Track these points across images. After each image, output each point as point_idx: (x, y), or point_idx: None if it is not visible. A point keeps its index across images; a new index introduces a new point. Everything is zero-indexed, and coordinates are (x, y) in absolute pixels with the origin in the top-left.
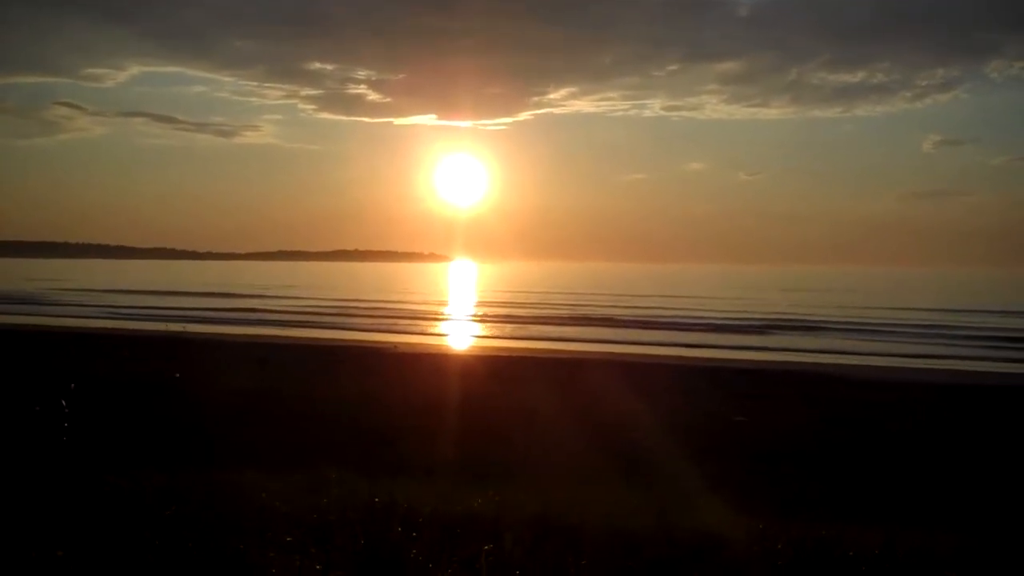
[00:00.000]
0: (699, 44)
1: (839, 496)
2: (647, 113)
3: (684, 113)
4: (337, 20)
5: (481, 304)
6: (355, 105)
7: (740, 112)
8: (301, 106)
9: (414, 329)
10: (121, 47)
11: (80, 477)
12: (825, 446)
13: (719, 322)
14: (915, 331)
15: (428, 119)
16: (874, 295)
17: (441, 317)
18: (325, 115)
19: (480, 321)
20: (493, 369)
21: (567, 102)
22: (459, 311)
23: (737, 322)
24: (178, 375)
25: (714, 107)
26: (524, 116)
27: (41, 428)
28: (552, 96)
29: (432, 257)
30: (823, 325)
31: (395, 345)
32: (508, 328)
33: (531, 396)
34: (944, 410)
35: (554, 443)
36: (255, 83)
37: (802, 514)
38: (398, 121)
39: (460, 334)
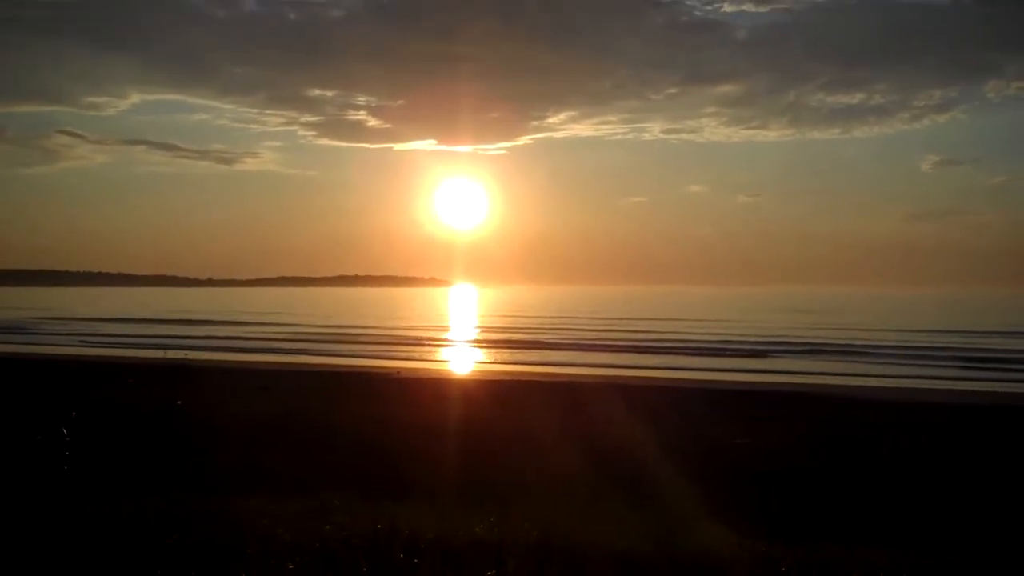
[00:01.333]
0: (698, 67)
1: (843, 518)
2: (646, 136)
3: (683, 136)
4: (337, 47)
5: (482, 329)
6: (355, 131)
7: (739, 134)
8: (301, 132)
9: (415, 354)
10: (122, 75)
11: (81, 505)
12: (828, 467)
13: (720, 344)
14: (916, 352)
15: (428, 144)
16: (875, 316)
17: (442, 342)
18: (325, 141)
19: (481, 346)
20: (494, 393)
21: (566, 126)
22: (460, 336)
23: (738, 344)
24: (179, 402)
25: (713, 130)
26: (524, 140)
27: (42, 456)
28: (551, 120)
29: (432, 282)
30: (824, 346)
31: (397, 371)
32: (509, 352)
33: (532, 420)
34: (947, 431)
35: (556, 466)
36: (255, 110)
37: (805, 536)
38: (398, 146)
39: (461, 359)
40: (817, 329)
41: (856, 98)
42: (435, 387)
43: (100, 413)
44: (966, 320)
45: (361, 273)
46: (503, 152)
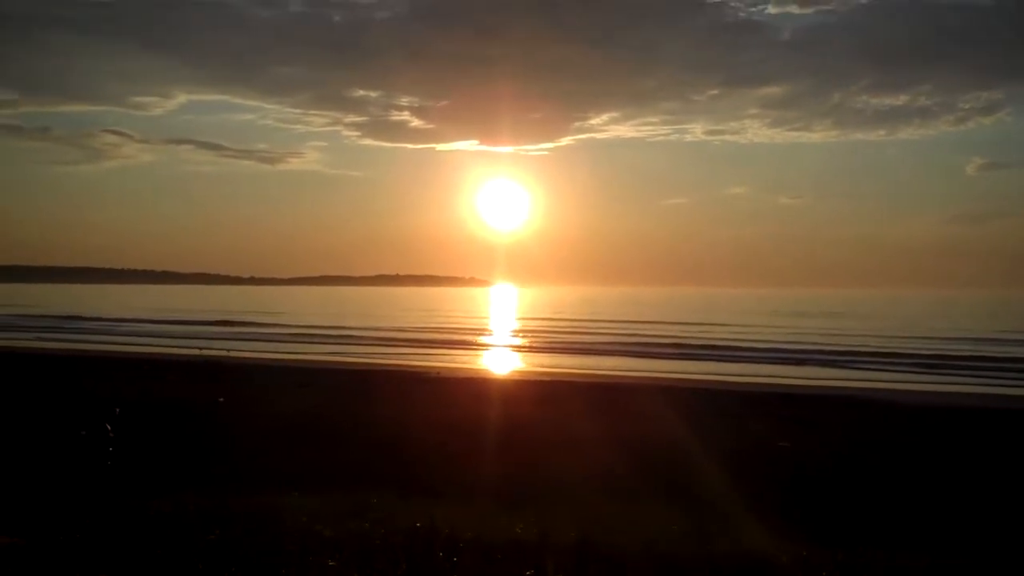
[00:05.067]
0: (741, 69)
1: (884, 523)
2: (688, 138)
3: (726, 137)
4: (380, 47)
5: (521, 329)
6: (398, 131)
7: (782, 136)
8: (345, 132)
9: (455, 354)
10: (168, 76)
11: (124, 501)
12: (871, 472)
13: (763, 347)
14: (960, 357)
15: (470, 145)
16: (918, 320)
17: (482, 342)
18: (368, 141)
19: (520, 346)
20: (533, 394)
21: (608, 127)
22: (499, 336)
23: (782, 346)
24: (222, 399)
25: (756, 131)
26: (565, 141)
27: (87, 452)
28: (593, 121)
29: (473, 281)
30: (867, 350)
31: (438, 371)
32: (548, 353)
33: (572, 420)
34: (992, 438)
35: (596, 466)
36: (300, 110)
37: (846, 540)
38: (440, 147)
39: (500, 359)
40: (859, 334)
41: (901, 100)
42: (474, 387)
43: (143, 409)
44: (1011, 325)
45: (402, 272)
46: (545, 153)
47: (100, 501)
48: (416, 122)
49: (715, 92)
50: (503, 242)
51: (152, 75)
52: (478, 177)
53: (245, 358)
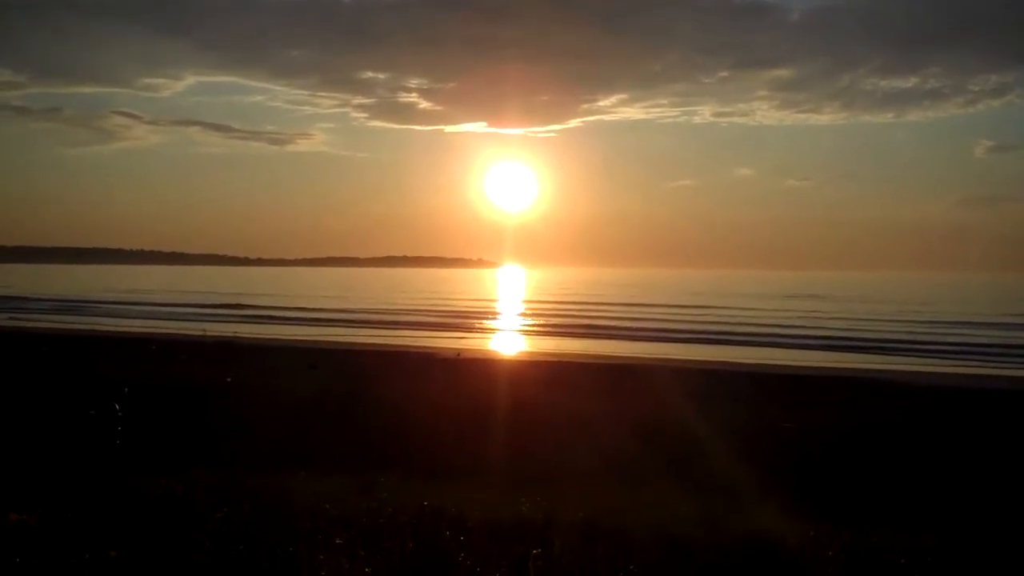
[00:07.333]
0: (750, 51)
1: (890, 503)
2: (697, 120)
3: (734, 119)
4: (389, 30)
5: (530, 311)
6: (406, 113)
7: (791, 118)
8: (353, 114)
9: (463, 335)
10: (178, 57)
11: (133, 479)
12: (876, 453)
13: (769, 330)
14: (966, 339)
15: (479, 127)
16: (925, 303)
17: (490, 324)
18: (377, 123)
19: (528, 327)
20: (541, 375)
21: (617, 109)
22: (508, 317)
23: (788, 329)
24: (229, 379)
25: (764, 113)
26: (574, 123)
27: (95, 431)
28: (602, 103)
29: (481, 263)
30: (873, 333)
31: (458, 352)
32: (557, 333)
33: (581, 401)
34: (998, 420)
35: (603, 447)
36: (308, 92)
37: (852, 521)
38: (449, 129)
39: (508, 340)
40: (865, 317)
41: (910, 82)
42: (482, 368)
43: (152, 389)
44: (1018, 309)
45: (410, 254)
46: (553, 135)
47: (109, 480)
48: (424, 104)
49: (724, 74)
50: (511, 224)
51: (162, 57)
52: (486, 159)
53: (253, 339)
